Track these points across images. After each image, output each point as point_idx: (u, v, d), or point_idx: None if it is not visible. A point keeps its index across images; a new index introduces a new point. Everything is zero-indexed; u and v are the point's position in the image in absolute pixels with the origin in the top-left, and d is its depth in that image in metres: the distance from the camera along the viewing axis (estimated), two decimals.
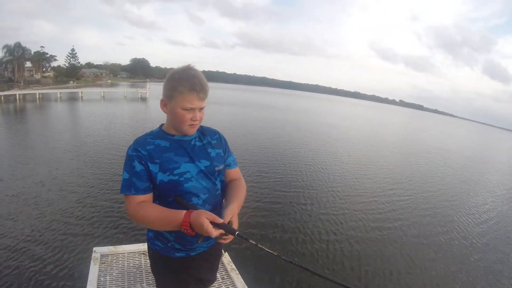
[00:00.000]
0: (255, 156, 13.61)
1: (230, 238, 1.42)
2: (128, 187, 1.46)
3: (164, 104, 1.52)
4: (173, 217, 1.37)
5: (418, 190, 11.90)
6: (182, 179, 1.50)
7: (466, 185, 14.69)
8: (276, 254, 1.32)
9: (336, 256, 6.38)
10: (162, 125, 1.62)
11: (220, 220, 1.32)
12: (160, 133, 1.58)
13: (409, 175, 14.32)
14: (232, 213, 1.45)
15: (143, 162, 1.47)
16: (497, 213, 10.90)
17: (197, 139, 1.63)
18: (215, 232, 1.30)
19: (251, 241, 1.32)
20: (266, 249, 1.31)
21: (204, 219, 1.29)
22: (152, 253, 1.73)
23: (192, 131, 1.55)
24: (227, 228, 1.33)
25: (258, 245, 1.30)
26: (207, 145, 1.65)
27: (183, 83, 1.42)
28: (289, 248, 6.44)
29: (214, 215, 1.33)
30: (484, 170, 20.06)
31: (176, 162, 1.51)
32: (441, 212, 9.84)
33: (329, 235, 7.19)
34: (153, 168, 1.48)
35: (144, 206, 1.45)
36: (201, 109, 1.50)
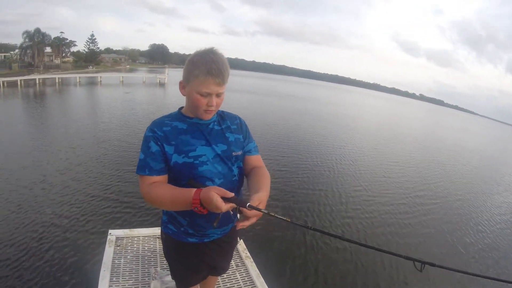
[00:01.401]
0: (273, 145, 13.56)
1: (247, 223, 1.33)
2: (143, 168, 1.45)
3: (182, 86, 1.49)
4: (184, 195, 1.33)
5: (441, 190, 11.71)
6: (197, 162, 1.47)
7: (488, 185, 14.35)
8: (288, 220, 1.26)
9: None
10: (181, 107, 1.59)
11: (231, 194, 1.25)
12: (178, 115, 1.55)
13: (429, 173, 14.10)
14: (259, 199, 1.34)
15: (159, 143, 1.45)
16: None
17: (215, 123, 1.58)
18: (225, 206, 1.23)
19: (262, 210, 1.25)
20: (279, 217, 1.25)
21: (213, 193, 1.23)
22: (165, 237, 1.72)
23: (208, 117, 1.50)
24: (237, 201, 1.26)
25: (270, 213, 1.24)
26: (226, 130, 1.60)
27: (200, 67, 1.37)
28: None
29: (225, 190, 1.26)
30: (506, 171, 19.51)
31: (192, 144, 1.48)
32: (463, 212, 9.67)
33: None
34: (169, 149, 1.45)
35: (157, 186, 1.44)
36: (218, 94, 1.43)
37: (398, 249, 6.50)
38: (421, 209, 8.93)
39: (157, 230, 3.36)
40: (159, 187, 1.43)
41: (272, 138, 15.02)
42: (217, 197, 1.22)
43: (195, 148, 1.48)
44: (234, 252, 2.81)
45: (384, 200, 9.15)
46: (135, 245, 3.14)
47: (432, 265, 1.23)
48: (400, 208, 8.75)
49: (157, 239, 3.25)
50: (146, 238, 3.27)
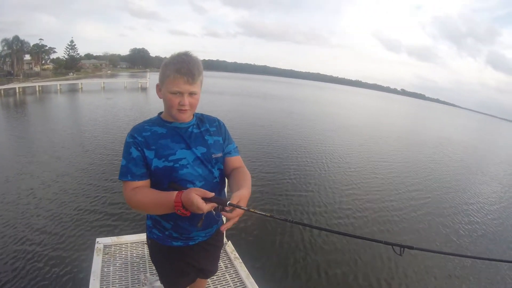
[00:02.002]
0: (257, 145, 13.60)
1: (229, 223, 1.37)
2: (125, 173, 1.48)
3: (158, 89, 1.53)
4: (166, 198, 1.35)
5: (425, 181, 11.91)
6: (177, 165, 1.49)
7: (472, 175, 14.72)
8: (269, 215, 1.31)
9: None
10: (161, 112, 1.62)
11: (211, 194, 1.27)
12: (158, 120, 1.58)
13: (414, 166, 14.32)
14: (239, 197, 1.36)
15: (139, 149, 1.47)
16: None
17: (194, 126, 1.61)
18: (206, 206, 1.25)
19: (242, 208, 1.30)
20: (259, 212, 1.31)
21: (194, 194, 1.25)
22: (151, 242, 1.74)
23: (182, 117, 1.51)
24: (218, 200, 1.29)
25: (250, 210, 1.29)
26: (205, 132, 1.62)
27: (170, 67, 1.42)
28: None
29: (205, 190, 1.29)
30: (489, 160, 19.96)
31: (172, 148, 1.51)
32: (447, 202, 9.88)
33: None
34: (149, 154, 1.47)
35: (139, 191, 1.45)
36: (191, 94, 1.45)
37: (386, 238, 6.59)
38: (407, 199, 9.12)
39: (144, 236, 3.35)
40: (141, 192, 1.44)
41: (255, 139, 15.05)
42: (197, 198, 1.25)
43: (175, 151, 1.50)
44: (222, 253, 2.84)
45: (370, 192, 9.30)
46: (123, 252, 3.14)
47: (410, 248, 1.27)
48: (387, 199, 8.93)
49: (145, 245, 3.25)
50: (134, 245, 3.27)
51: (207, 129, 1.64)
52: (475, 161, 18.69)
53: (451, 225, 8.05)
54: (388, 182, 10.86)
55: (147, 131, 1.51)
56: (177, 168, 1.49)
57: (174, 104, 1.46)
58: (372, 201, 8.81)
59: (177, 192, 1.34)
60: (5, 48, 57.65)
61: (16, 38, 59.19)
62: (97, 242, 3.21)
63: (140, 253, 3.15)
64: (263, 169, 10.40)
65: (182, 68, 1.39)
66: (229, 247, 3.28)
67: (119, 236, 3.36)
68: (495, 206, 10.28)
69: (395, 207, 8.58)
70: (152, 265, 2.90)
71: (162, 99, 1.52)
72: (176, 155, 1.50)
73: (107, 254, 3.08)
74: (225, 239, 3.27)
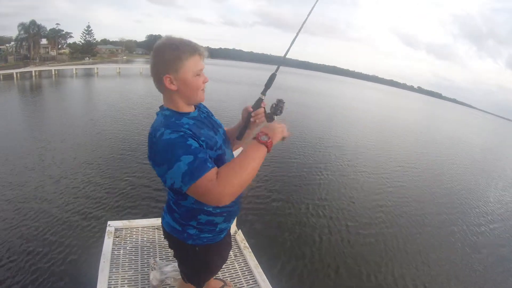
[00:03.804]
0: None
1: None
2: (202, 165, 1.21)
3: (170, 81, 1.35)
4: (255, 148, 1.29)
5: (439, 182, 11.78)
6: (221, 152, 1.48)
7: (486, 178, 14.45)
8: None
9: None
10: (166, 109, 1.43)
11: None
12: (176, 114, 1.41)
13: (431, 166, 14.17)
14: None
15: (195, 139, 1.30)
16: None
17: (200, 112, 1.55)
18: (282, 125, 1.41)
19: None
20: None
21: (275, 125, 1.39)
22: (199, 249, 1.62)
23: (204, 96, 1.47)
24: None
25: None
26: (210, 114, 1.62)
27: (187, 48, 1.34)
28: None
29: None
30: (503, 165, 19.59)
31: (213, 136, 1.46)
32: (457, 205, 9.76)
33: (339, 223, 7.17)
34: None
35: (225, 171, 1.23)
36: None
37: (384, 240, 6.59)
38: (421, 199, 9.01)
39: (155, 221, 3.37)
40: (230, 168, 1.25)
41: None
42: (278, 125, 1.40)
43: (216, 139, 1.47)
44: (233, 242, 2.84)
45: (383, 191, 9.22)
46: (134, 236, 3.15)
47: None
48: (399, 198, 8.82)
49: (156, 230, 3.26)
50: (145, 229, 3.28)
51: (207, 111, 1.64)
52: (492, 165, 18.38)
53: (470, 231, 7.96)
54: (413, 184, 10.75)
55: (183, 125, 1.34)
56: (222, 154, 1.48)
57: (200, 84, 1.41)
58: (392, 201, 8.74)
59: (255, 140, 1.32)
60: (22, 32, 58.26)
61: (33, 22, 59.77)
62: (109, 225, 3.22)
63: (151, 237, 3.16)
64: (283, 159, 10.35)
65: (198, 46, 1.36)
66: (239, 235, 3.28)
67: (131, 220, 3.38)
68: None
69: (410, 208, 8.50)
70: (162, 250, 2.94)
71: (174, 91, 1.38)
72: (218, 142, 1.47)
73: (118, 237, 3.09)
74: (235, 228, 3.27)
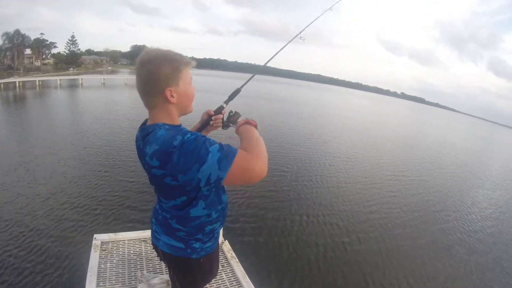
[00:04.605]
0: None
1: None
2: (230, 147, 1.25)
3: (170, 94, 1.34)
4: (252, 129, 1.48)
5: (423, 186, 11.97)
6: None
7: (470, 181, 14.79)
8: None
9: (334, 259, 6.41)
10: (162, 124, 1.37)
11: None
12: (177, 126, 1.40)
13: (417, 170, 14.36)
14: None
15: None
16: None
17: None
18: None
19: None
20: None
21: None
22: (204, 259, 1.63)
23: None
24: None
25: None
26: None
27: (183, 59, 1.36)
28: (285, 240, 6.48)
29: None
30: (486, 167, 20.08)
31: None
32: (443, 206, 9.94)
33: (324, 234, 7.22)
34: None
35: (248, 145, 1.33)
36: None
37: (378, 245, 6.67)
38: (410, 205, 9.13)
39: (142, 234, 3.36)
40: (250, 144, 1.34)
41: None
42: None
43: None
44: (220, 252, 2.86)
45: (369, 199, 9.31)
46: (120, 249, 3.14)
47: None
48: (389, 207, 8.93)
49: (143, 242, 3.26)
50: (132, 242, 3.27)
51: None
52: (477, 167, 18.77)
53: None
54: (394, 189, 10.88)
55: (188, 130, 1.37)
56: None
57: (194, 94, 1.47)
58: (378, 208, 8.84)
59: (248, 124, 1.52)
60: (6, 42, 57.66)
61: (17, 32, 59.35)
62: (95, 238, 3.21)
63: (138, 250, 3.15)
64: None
65: (187, 58, 1.39)
66: (225, 246, 3.29)
67: (117, 233, 3.36)
68: None
69: (398, 216, 8.60)
70: (149, 262, 2.94)
71: (174, 104, 1.38)
72: None
73: (105, 250, 3.08)
74: (221, 238, 3.29)
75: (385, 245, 6.78)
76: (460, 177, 14.79)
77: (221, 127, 1.72)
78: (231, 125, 1.66)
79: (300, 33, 2.23)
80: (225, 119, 1.70)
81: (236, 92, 1.80)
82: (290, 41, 2.23)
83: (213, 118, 1.69)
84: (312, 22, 2.32)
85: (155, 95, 1.35)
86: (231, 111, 1.71)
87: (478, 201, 11.51)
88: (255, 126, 1.51)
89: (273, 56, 2.10)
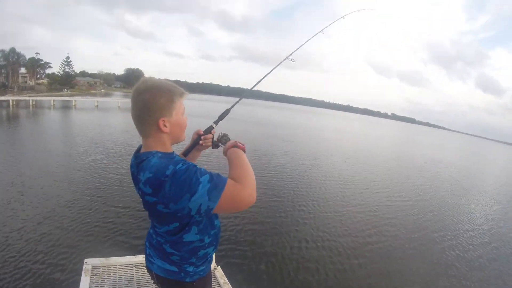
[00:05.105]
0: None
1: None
2: (220, 176, 1.29)
3: (163, 124, 1.39)
4: (239, 151, 1.53)
5: (415, 205, 11.97)
6: None
7: (465, 198, 14.84)
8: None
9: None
10: (155, 152, 1.41)
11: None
12: (169, 154, 1.45)
13: (402, 191, 14.39)
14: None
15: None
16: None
17: None
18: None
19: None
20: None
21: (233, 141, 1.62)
22: (197, 283, 1.65)
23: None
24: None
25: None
26: None
27: (177, 91, 1.42)
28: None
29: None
30: (480, 182, 20.32)
31: None
32: (437, 225, 9.94)
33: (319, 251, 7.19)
34: None
35: (236, 174, 1.37)
36: None
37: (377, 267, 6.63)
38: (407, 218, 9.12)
39: (133, 259, 3.35)
40: (238, 171, 1.39)
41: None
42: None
43: None
44: (212, 278, 2.85)
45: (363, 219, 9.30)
46: (111, 274, 3.12)
47: None
48: (386, 229, 8.88)
49: (134, 268, 3.24)
50: (123, 267, 3.25)
51: None
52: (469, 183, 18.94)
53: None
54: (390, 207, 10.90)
55: (181, 159, 1.40)
56: None
57: (186, 123, 1.52)
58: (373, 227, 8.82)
59: (236, 147, 1.57)
60: (1, 59, 57.79)
61: (13, 50, 59.58)
62: (85, 262, 3.18)
63: (129, 275, 3.13)
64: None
65: (181, 89, 1.45)
66: (218, 272, 3.28)
67: (108, 258, 3.34)
68: None
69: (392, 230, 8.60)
70: (141, 287, 2.91)
71: (166, 133, 1.42)
72: None
73: (95, 275, 3.06)
74: (214, 264, 3.28)
75: (386, 268, 6.76)
76: (455, 195, 15.00)
77: (210, 147, 1.77)
78: (220, 144, 1.72)
79: (290, 54, 2.28)
80: (215, 138, 1.76)
81: (226, 113, 1.84)
82: (280, 63, 2.30)
83: (202, 137, 1.72)
84: (303, 44, 2.41)
85: (149, 124, 1.40)
86: (220, 133, 1.77)
87: (475, 217, 11.69)
88: (243, 150, 1.56)
89: (263, 77, 2.19)
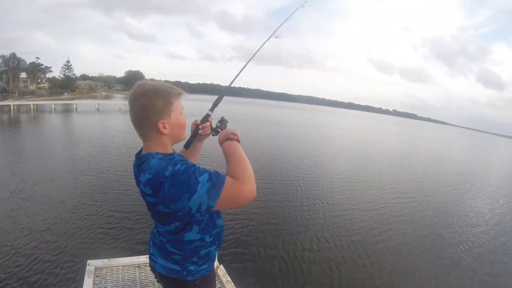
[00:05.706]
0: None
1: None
2: (219, 175, 1.30)
3: (163, 125, 1.40)
4: (235, 143, 1.52)
5: (418, 199, 11.96)
6: None
7: (470, 192, 14.82)
8: None
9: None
10: (156, 153, 1.42)
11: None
12: (169, 155, 1.45)
13: (404, 186, 14.36)
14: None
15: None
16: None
17: None
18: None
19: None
20: None
21: (227, 129, 1.62)
22: (199, 281, 1.65)
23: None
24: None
25: None
26: None
27: (174, 91, 1.43)
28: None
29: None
30: (483, 177, 20.29)
31: None
32: (442, 221, 9.93)
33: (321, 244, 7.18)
34: None
35: (234, 169, 1.37)
36: None
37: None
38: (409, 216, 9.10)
39: (136, 259, 3.35)
40: (236, 167, 1.39)
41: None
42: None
43: None
44: (215, 277, 2.84)
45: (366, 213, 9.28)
46: (114, 275, 3.12)
47: None
48: (392, 228, 8.85)
49: (137, 268, 3.24)
50: (126, 268, 3.25)
51: None
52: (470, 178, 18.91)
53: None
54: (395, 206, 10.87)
55: (181, 159, 1.45)
56: None
57: (186, 122, 1.53)
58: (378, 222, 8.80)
59: (229, 139, 1.53)
60: (2, 65, 57.99)
61: (13, 55, 59.75)
62: (88, 264, 3.19)
63: (132, 276, 3.13)
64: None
65: (178, 89, 1.47)
66: (220, 270, 3.28)
67: (111, 259, 3.34)
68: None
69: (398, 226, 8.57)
70: None
71: (166, 134, 1.44)
72: None
73: (98, 276, 3.06)
74: (216, 263, 3.27)
75: (399, 266, 6.74)
76: (460, 190, 15.01)
77: (211, 135, 1.76)
78: (220, 130, 1.71)
79: (275, 31, 2.36)
80: (213, 125, 1.75)
81: (219, 99, 1.88)
82: (266, 41, 2.39)
83: (200, 127, 1.72)
84: (287, 19, 2.44)
85: (149, 127, 1.41)
86: (218, 119, 1.78)
87: (482, 212, 11.69)
88: (238, 140, 1.54)
89: (249, 61, 2.27)
